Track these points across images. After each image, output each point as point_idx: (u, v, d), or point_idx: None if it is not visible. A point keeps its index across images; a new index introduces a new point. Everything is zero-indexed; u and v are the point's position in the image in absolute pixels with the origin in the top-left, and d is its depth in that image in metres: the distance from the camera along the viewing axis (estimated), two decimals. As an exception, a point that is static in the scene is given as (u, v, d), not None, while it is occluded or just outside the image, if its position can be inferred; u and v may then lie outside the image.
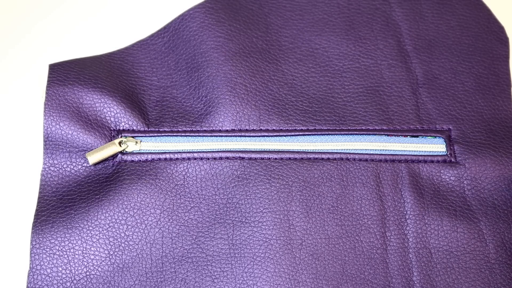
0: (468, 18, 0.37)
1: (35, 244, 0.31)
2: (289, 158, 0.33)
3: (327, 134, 0.34)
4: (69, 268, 0.31)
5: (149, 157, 0.33)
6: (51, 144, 0.33)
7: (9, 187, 0.35)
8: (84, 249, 0.31)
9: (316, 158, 0.33)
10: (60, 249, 0.31)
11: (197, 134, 0.34)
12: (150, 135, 0.34)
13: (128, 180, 0.33)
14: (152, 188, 0.32)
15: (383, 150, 0.33)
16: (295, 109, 0.34)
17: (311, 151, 0.33)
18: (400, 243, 0.31)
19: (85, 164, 0.33)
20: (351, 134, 0.34)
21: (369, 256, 0.31)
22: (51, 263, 0.31)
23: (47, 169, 0.33)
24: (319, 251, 0.31)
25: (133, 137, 0.34)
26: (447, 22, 0.37)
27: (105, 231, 0.32)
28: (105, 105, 0.34)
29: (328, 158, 0.33)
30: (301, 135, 0.34)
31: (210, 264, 0.31)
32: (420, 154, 0.33)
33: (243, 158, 0.33)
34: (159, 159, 0.33)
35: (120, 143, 0.33)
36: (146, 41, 0.37)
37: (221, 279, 0.31)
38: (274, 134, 0.34)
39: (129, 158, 0.33)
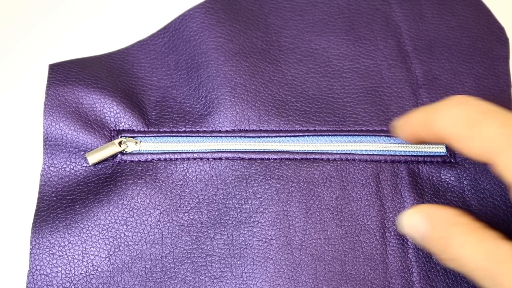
0: (468, 19, 0.37)
1: (35, 244, 0.31)
2: (289, 159, 0.33)
3: (327, 135, 0.34)
4: (69, 268, 0.31)
5: (149, 157, 0.33)
6: (51, 144, 0.33)
7: (9, 187, 0.35)
8: (84, 249, 0.31)
9: (316, 159, 0.33)
10: (59, 249, 0.31)
11: (197, 135, 0.34)
12: (150, 135, 0.34)
13: (128, 180, 0.33)
14: (152, 188, 0.32)
15: (383, 150, 0.33)
16: (295, 110, 0.34)
17: (311, 151, 0.33)
18: (400, 244, 0.31)
19: (84, 164, 0.33)
20: (351, 135, 0.34)
21: (369, 256, 0.31)
22: (50, 263, 0.31)
23: (46, 169, 0.33)
24: (319, 251, 0.31)
25: (133, 137, 0.34)
26: (447, 23, 0.37)
27: (105, 231, 0.32)
28: (105, 105, 0.34)
29: (328, 159, 0.33)
30: (301, 135, 0.34)
31: (209, 264, 0.31)
32: (420, 154, 0.33)
33: (243, 158, 0.33)
34: (159, 159, 0.33)
35: (120, 143, 0.33)
36: (146, 41, 0.37)
37: (221, 279, 0.31)
38: (274, 134, 0.34)
39: (128, 158, 0.33)
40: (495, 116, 0.26)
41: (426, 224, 0.27)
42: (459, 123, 0.26)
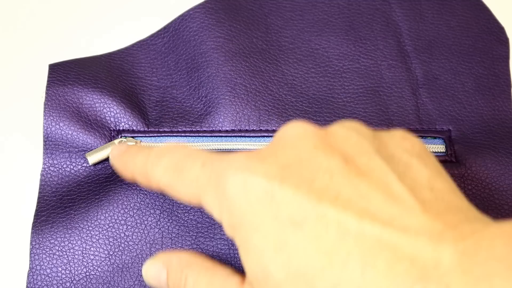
0: (468, 19, 0.37)
1: (35, 244, 0.31)
2: (289, 159, 0.33)
3: (327, 135, 0.34)
4: (69, 268, 0.31)
5: (149, 157, 0.33)
6: (51, 144, 0.33)
7: (9, 187, 0.35)
8: (84, 249, 0.31)
9: (316, 159, 0.33)
10: (60, 249, 0.31)
11: (197, 135, 0.34)
12: (150, 135, 0.34)
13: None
14: (152, 188, 0.32)
15: (383, 150, 0.33)
16: (295, 110, 0.34)
17: (311, 151, 0.33)
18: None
19: (85, 164, 0.33)
20: (351, 135, 0.34)
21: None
22: (50, 263, 0.31)
23: (47, 169, 0.33)
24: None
25: (133, 137, 0.34)
26: (447, 23, 0.37)
27: (105, 231, 0.32)
28: (105, 105, 0.34)
29: (328, 159, 0.33)
30: (301, 135, 0.34)
31: (209, 264, 0.31)
32: (420, 154, 0.33)
33: (243, 158, 0.33)
34: (159, 159, 0.33)
35: (120, 143, 0.33)
36: (146, 41, 0.37)
37: (221, 279, 0.31)
38: (274, 134, 0.34)
39: (129, 158, 0.33)
40: (196, 158, 0.26)
41: (163, 270, 0.27)
42: (167, 172, 0.26)
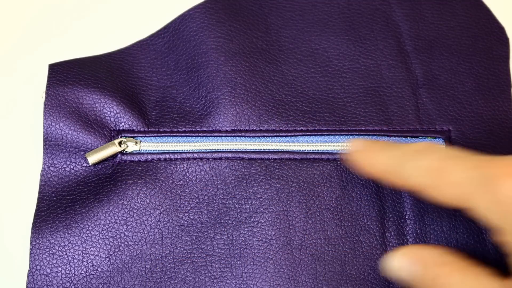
0: (468, 19, 0.37)
1: (35, 244, 0.31)
2: (289, 159, 0.33)
3: (327, 135, 0.34)
4: (69, 268, 0.31)
5: (149, 157, 0.33)
6: (51, 144, 0.33)
7: (9, 187, 0.35)
8: (84, 249, 0.31)
9: (316, 159, 0.33)
10: (59, 249, 0.31)
11: (197, 135, 0.34)
12: (150, 135, 0.34)
13: (128, 180, 0.33)
14: (152, 188, 0.33)
15: (383, 150, 0.33)
16: (295, 110, 0.34)
17: (311, 151, 0.33)
18: (400, 244, 0.31)
19: (84, 164, 0.33)
20: (351, 135, 0.34)
21: (369, 256, 0.31)
22: (50, 263, 0.31)
23: (46, 169, 0.33)
24: (319, 251, 0.31)
25: (133, 137, 0.34)
26: (447, 23, 0.37)
27: (105, 231, 0.32)
28: (105, 105, 0.34)
29: (328, 159, 0.33)
30: (301, 135, 0.34)
31: (210, 264, 0.31)
32: (420, 154, 0.33)
33: (243, 158, 0.33)
34: (159, 159, 0.33)
35: (120, 143, 0.33)
36: (146, 41, 0.37)
37: (221, 279, 0.31)
38: (274, 134, 0.34)
39: (128, 158, 0.33)
40: (461, 160, 0.26)
41: (417, 266, 0.27)
42: (428, 172, 0.26)
